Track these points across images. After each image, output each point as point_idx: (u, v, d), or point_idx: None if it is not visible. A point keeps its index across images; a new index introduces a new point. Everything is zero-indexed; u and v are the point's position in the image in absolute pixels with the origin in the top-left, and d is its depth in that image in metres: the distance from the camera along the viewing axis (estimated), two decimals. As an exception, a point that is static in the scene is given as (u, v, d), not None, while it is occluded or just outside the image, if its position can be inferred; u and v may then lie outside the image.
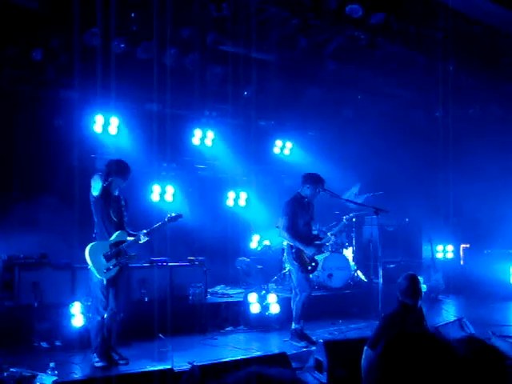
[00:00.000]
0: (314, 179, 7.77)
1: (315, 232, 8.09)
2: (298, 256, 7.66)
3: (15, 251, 8.11)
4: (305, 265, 7.69)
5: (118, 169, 6.55)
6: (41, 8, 8.32)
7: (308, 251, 7.68)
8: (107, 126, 10.09)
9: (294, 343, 7.60)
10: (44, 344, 7.09)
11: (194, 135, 11.50)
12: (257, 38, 9.38)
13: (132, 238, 6.61)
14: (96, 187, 6.35)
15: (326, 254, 9.71)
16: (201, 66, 9.99)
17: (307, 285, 7.75)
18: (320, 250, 7.92)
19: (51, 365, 5.20)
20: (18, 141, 9.20)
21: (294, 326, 7.73)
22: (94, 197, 6.44)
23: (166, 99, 10.25)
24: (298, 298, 7.71)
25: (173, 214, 6.87)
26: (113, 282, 6.49)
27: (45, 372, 5.13)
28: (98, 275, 6.34)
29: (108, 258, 6.39)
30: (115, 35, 8.80)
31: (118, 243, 6.50)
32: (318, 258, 7.91)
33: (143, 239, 6.59)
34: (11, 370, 5.28)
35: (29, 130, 9.31)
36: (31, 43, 8.78)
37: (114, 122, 10.15)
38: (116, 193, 6.66)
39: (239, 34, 9.42)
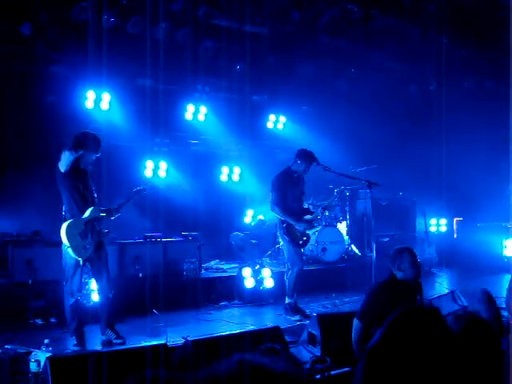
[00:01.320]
0: (306, 156, 7.72)
1: (306, 206, 8.09)
2: (288, 231, 7.65)
3: (8, 228, 8.10)
4: (296, 239, 7.69)
5: (88, 142, 6.20)
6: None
7: (298, 226, 7.67)
8: (99, 102, 10.00)
9: (288, 317, 7.64)
10: (39, 321, 7.12)
11: (186, 110, 11.43)
12: (249, 11, 9.28)
13: (103, 214, 6.39)
14: (65, 163, 6.02)
15: (318, 228, 9.71)
16: (193, 40, 9.89)
17: (299, 259, 7.75)
18: (311, 224, 7.92)
19: (46, 341, 5.19)
20: (10, 117, 9.10)
21: (287, 300, 7.77)
22: (61, 173, 6.11)
23: (158, 74, 10.15)
24: (290, 273, 7.72)
25: (138, 188, 6.73)
26: (92, 260, 6.30)
27: (39, 348, 5.13)
28: (74, 255, 6.04)
29: (83, 237, 6.11)
30: (105, 9, 8.69)
31: (91, 220, 6.23)
32: (310, 232, 7.92)
33: (115, 215, 6.47)
34: (6, 346, 5.30)
35: (20, 107, 9.20)
36: (20, 17, 8.64)
37: (106, 97, 10.06)
38: (86, 166, 6.38)
39: (231, 8, 9.31)
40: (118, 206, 6.51)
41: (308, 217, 7.88)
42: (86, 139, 6.25)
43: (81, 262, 6.13)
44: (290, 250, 7.72)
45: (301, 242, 7.76)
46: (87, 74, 9.51)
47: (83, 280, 6.45)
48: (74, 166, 6.15)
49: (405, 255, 5.21)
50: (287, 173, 7.83)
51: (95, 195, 6.44)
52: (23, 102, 9.27)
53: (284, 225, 7.66)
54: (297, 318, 7.55)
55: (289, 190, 7.75)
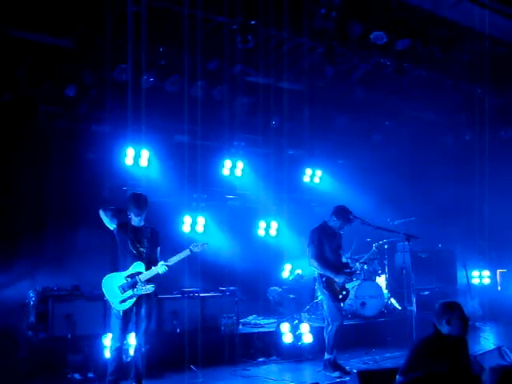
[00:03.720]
0: (342, 213, 7.75)
1: (344, 260, 8.02)
2: (328, 284, 7.58)
3: (49, 283, 8.23)
4: (335, 293, 7.61)
5: (130, 202, 6.62)
6: (75, 47, 8.55)
7: (338, 279, 7.60)
8: (138, 159, 10.22)
9: (328, 373, 7.48)
10: (77, 376, 7.12)
11: (223, 166, 11.56)
12: (284, 67, 9.48)
13: (154, 269, 6.51)
14: (106, 222, 6.65)
15: (357, 283, 9.57)
16: (229, 97, 10.11)
17: (339, 314, 7.64)
18: (350, 278, 7.87)
19: (84, 396, 5.21)
20: (53, 173, 9.40)
21: (326, 356, 7.62)
22: (112, 230, 6.66)
23: (196, 130, 10.38)
24: (330, 328, 7.61)
25: (197, 244, 6.74)
26: (133, 314, 6.50)
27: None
28: (114, 306, 6.39)
29: (123, 290, 6.40)
30: (145, 69, 9.00)
31: (133, 275, 6.47)
32: (349, 286, 7.82)
33: (162, 270, 6.47)
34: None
35: (63, 164, 9.52)
36: (65, 80, 9.02)
37: (145, 154, 10.28)
38: (138, 224, 6.65)
39: (266, 65, 9.54)
40: (166, 262, 6.54)
41: (347, 270, 7.81)
42: (129, 199, 6.71)
43: (121, 313, 6.36)
44: (329, 305, 7.62)
45: (340, 296, 7.67)
46: (127, 131, 9.78)
47: (120, 331, 6.46)
48: (124, 223, 6.62)
49: (455, 310, 5.04)
50: (323, 227, 7.83)
51: (145, 251, 6.57)
52: (66, 158, 9.57)
53: (323, 279, 7.60)
54: (336, 374, 7.40)
55: (326, 243, 7.72)
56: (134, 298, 6.44)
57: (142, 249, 6.57)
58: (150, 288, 6.47)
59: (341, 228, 7.79)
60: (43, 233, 9.18)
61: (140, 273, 6.50)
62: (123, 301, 6.38)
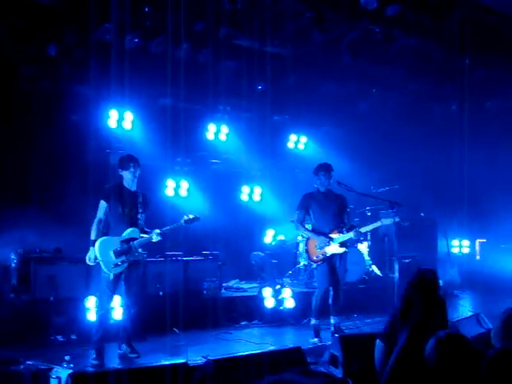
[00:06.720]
0: (319, 167, 7.72)
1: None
2: (308, 248, 7.64)
3: (31, 245, 8.17)
4: (311, 255, 7.60)
5: (126, 161, 6.66)
6: (54, 4, 8.33)
7: (319, 241, 7.55)
8: (121, 121, 10.13)
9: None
10: (60, 337, 7.17)
11: (208, 130, 11.49)
12: (271, 31, 9.34)
13: (146, 236, 6.57)
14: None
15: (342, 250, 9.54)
16: (214, 60, 9.97)
17: (324, 279, 7.57)
18: (329, 242, 7.57)
19: (67, 358, 5.25)
20: (36, 136, 9.25)
21: (312, 321, 7.68)
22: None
23: (180, 94, 10.21)
24: (315, 292, 7.68)
25: (190, 216, 6.76)
26: (124, 277, 6.53)
27: (60, 365, 5.16)
28: (105, 270, 6.37)
29: (117, 254, 6.40)
30: (129, 30, 8.81)
31: (128, 240, 6.49)
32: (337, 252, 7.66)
33: (156, 238, 6.55)
34: (27, 362, 5.33)
35: (45, 126, 9.35)
36: (46, 39, 8.80)
37: (129, 116, 10.19)
38: (131, 188, 6.66)
39: (252, 28, 9.38)
40: (161, 231, 6.57)
41: (335, 236, 7.68)
42: (120, 160, 6.76)
43: (111, 277, 6.37)
44: (315, 270, 7.73)
45: (314, 258, 7.56)
46: (110, 93, 9.61)
47: (109, 294, 6.53)
48: (118, 186, 6.61)
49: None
50: (312, 193, 7.81)
51: (139, 217, 6.62)
52: (48, 120, 9.41)
53: (306, 241, 7.68)
54: (315, 341, 7.45)
55: (314, 208, 7.70)
56: (127, 263, 6.46)
57: (138, 215, 6.61)
58: (143, 254, 6.53)
59: (326, 181, 7.65)
60: (26, 197, 9.07)
61: (135, 238, 6.52)
62: (116, 265, 6.38)
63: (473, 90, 11.50)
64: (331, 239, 7.56)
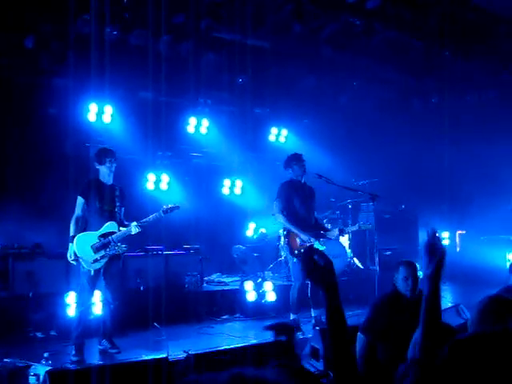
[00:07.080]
0: (290, 158, 7.71)
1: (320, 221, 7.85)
2: (289, 240, 7.54)
3: (9, 241, 8.07)
4: (292, 249, 7.50)
5: (102, 154, 6.61)
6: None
7: (303, 236, 7.49)
8: (101, 115, 10.02)
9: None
10: (39, 334, 7.07)
11: (188, 123, 11.43)
12: (251, 24, 9.28)
13: (124, 229, 6.51)
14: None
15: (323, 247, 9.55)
16: (195, 53, 9.89)
17: (301, 274, 7.49)
18: (317, 239, 7.59)
19: (45, 355, 5.19)
20: (13, 129, 9.13)
21: (291, 316, 7.67)
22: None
23: (161, 87, 10.14)
24: (292, 286, 7.65)
25: (169, 206, 6.66)
26: (103, 272, 6.47)
27: (39, 362, 5.10)
28: (85, 266, 6.31)
29: (96, 250, 6.34)
30: (108, 22, 8.70)
31: (106, 234, 6.42)
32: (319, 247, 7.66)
33: (135, 231, 6.47)
34: (5, 360, 5.26)
35: (23, 119, 9.25)
36: (23, 30, 8.66)
37: (108, 110, 10.08)
38: (108, 182, 6.61)
39: (233, 21, 9.31)
40: (139, 223, 6.50)
41: (322, 233, 7.67)
42: (96, 154, 6.70)
43: (91, 273, 6.31)
44: (292, 264, 7.62)
45: (296, 252, 7.46)
46: (90, 86, 9.50)
47: (89, 290, 6.47)
48: (95, 180, 6.54)
49: (400, 269, 5.06)
50: (291, 181, 7.72)
51: (117, 210, 6.58)
52: (25, 113, 9.28)
53: (287, 234, 7.56)
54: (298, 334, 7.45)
55: (295, 198, 7.60)
56: (106, 258, 6.40)
57: (116, 209, 6.56)
58: (122, 248, 6.44)
59: (300, 172, 7.62)
60: (4, 191, 8.94)
61: (114, 232, 6.46)
62: (95, 260, 6.33)
63: (453, 83, 11.59)
64: (316, 240, 7.52)
